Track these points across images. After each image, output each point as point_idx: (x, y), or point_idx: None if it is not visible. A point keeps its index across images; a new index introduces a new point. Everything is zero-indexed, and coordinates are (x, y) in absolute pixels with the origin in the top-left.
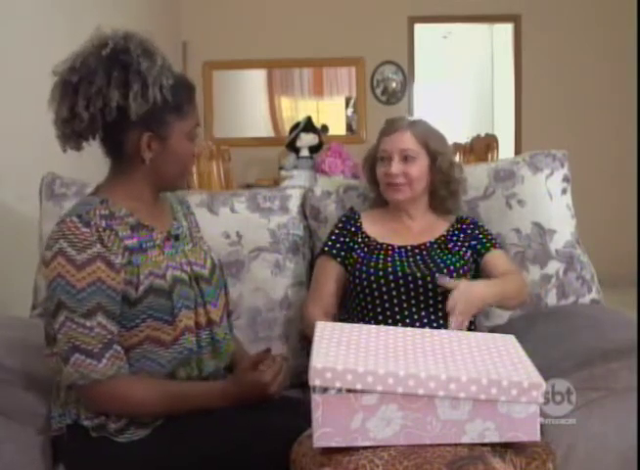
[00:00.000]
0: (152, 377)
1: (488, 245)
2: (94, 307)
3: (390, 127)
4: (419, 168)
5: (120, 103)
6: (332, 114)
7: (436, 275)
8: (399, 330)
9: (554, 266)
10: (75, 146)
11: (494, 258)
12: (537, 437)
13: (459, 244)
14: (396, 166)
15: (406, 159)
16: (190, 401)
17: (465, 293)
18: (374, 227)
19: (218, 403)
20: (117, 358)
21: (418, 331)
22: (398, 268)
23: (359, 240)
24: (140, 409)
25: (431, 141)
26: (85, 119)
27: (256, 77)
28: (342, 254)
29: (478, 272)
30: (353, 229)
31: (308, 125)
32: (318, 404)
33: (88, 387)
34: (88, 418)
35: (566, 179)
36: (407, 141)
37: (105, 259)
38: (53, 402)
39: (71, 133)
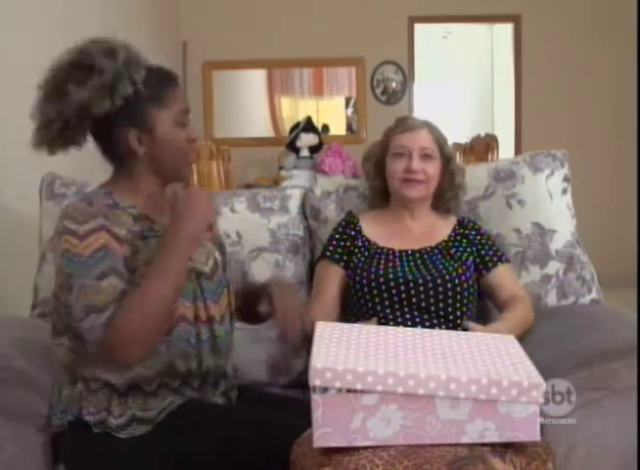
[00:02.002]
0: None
1: (495, 259)
2: (104, 272)
3: (407, 125)
4: (435, 168)
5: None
6: (332, 114)
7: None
8: (399, 330)
9: (554, 266)
10: (62, 148)
11: (501, 276)
12: (537, 437)
13: (461, 249)
14: (417, 163)
15: (425, 156)
16: (161, 268)
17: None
18: (374, 229)
19: (178, 245)
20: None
21: (418, 331)
22: (399, 274)
23: (359, 244)
24: (147, 317)
25: (444, 144)
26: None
27: (256, 77)
28: (345, 258)
29: (479, 280)
30: (353, 233)
31: (308, 125)
32: (318, 404)
33: (106, 337)
34: (90, 413)
35: (566, 179)
36: (427, 139)
37: (109, 231)
38: (55, 399)
39: (57, 136)
